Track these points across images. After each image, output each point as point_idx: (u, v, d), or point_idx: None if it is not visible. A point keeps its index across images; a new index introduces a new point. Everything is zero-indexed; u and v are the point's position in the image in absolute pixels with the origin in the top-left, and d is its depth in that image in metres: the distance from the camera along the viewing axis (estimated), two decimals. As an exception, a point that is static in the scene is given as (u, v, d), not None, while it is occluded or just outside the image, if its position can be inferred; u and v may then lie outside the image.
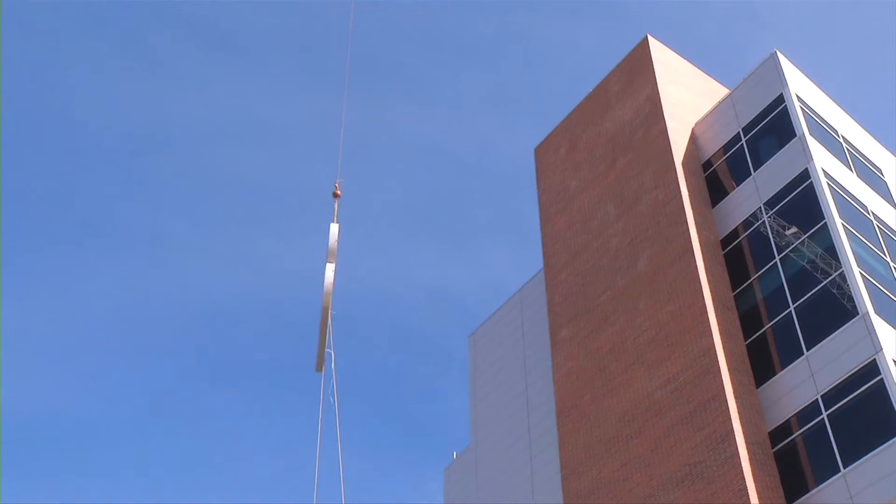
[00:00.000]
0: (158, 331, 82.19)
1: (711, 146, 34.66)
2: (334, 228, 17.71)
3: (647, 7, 78.56)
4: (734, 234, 31.81)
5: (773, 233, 29.88)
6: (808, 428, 25.92)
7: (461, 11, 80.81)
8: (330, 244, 17.43)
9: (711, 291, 29.43)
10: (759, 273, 30.04)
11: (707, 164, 34.41)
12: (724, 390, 26.67)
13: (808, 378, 26.60)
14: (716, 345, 27.77)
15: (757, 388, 27.92)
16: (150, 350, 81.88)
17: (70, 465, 78.84)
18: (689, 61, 38.67)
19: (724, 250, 31.76)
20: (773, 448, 26.44)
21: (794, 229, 29.29)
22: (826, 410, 25.66)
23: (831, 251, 27.91)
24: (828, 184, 29.81)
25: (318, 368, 17.10)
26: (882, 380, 24.55)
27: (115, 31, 78.79)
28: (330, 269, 17.19)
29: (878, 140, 36.59)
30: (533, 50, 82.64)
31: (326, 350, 17.46)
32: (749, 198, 31.97)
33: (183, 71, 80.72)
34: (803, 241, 29.03)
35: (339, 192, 19.70)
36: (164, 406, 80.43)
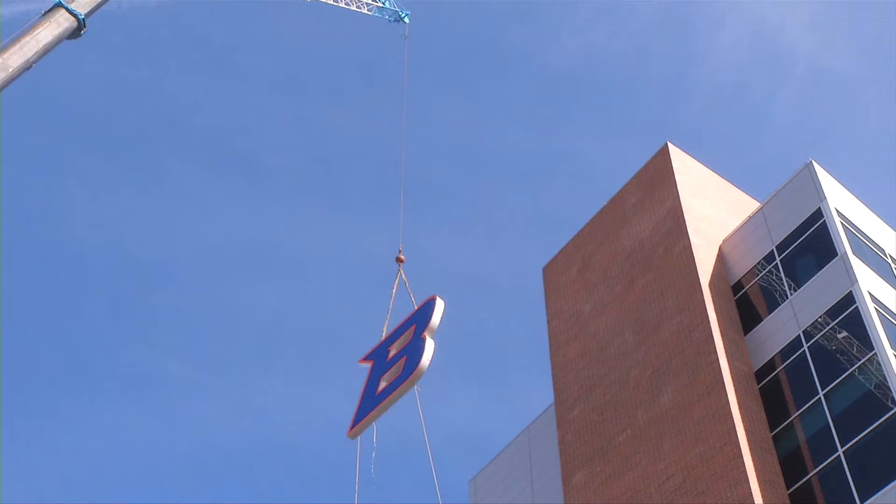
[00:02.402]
0: (156, 480, 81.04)
1: (742, 266, 34.71)
2: (441, 304, 18.45)
3: (667, 116, 79.13)
4: (770, 365, 31.65)
5: (826, 341, 29.63)
6: None
7: (494, 132, 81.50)
8: (433, 320, 18.16)
9: (746, 431, 29.06)
10: (801, 410, 29.78)
11: (737, 286, 34.44)
12: (764, 548, 26.04)
13: (862, 535, 25.95)
14: (753, 494, 27.26)
15: (803, 546, 26.79)
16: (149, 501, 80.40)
17: None
18: (714, 171, 39.20)
19: (759, 384, 31.46)
20: None
21: (845, 333, 29.35)
22: (882, 574, 25.38)
23: (882, 387, 27.74)
24: (875, 309, 29.79)
25: (354, 435, 17.85)
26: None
27: (119, 151, 79.42)
28: (430, 347, 17.95)
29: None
30: (577, 170, 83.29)
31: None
32: (786, 324, 31.90)
33: (191, 193, 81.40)
34: (852, 372, 28.93)
35: (402, 256, 21.35)
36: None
